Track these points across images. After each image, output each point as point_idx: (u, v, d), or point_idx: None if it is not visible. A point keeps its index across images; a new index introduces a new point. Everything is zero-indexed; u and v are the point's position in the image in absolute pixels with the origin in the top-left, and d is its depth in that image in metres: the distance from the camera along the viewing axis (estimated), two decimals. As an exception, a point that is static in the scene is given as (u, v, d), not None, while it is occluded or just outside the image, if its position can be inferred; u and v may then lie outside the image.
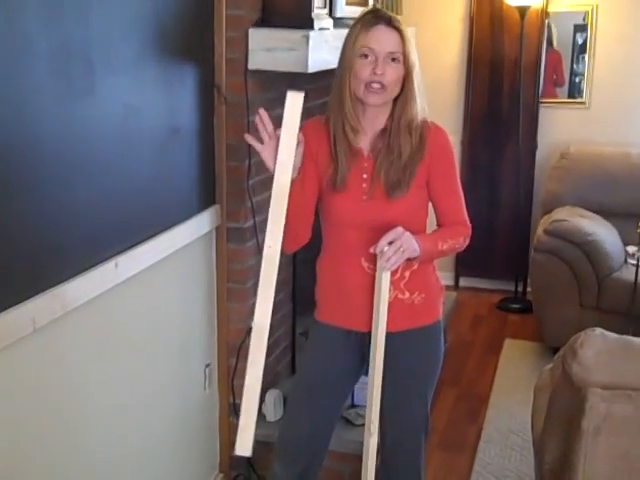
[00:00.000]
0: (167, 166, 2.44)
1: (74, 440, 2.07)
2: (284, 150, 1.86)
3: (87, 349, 2.09)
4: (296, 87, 3.05)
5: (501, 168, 5.00)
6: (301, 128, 2.12)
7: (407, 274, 2.15)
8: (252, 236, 2.84)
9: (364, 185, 2.13)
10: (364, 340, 2.20)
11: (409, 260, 2.05)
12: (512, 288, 4.98)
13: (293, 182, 1.94)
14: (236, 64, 2.67)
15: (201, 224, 2.65)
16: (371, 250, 2.01)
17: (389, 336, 2.10)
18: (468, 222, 2.22)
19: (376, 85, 2.04)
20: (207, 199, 2.70)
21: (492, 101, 4.98)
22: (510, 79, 4.91)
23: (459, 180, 2.22)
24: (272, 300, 1.91)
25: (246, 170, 2.74)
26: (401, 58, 2.05)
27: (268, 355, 3.11)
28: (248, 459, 3.01)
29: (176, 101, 2.48)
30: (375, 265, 2.07)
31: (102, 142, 2.07)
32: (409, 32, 2.10)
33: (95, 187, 2.05)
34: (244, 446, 1.91)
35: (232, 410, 2.98)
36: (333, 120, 2.13)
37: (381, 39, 2.03)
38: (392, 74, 2.04)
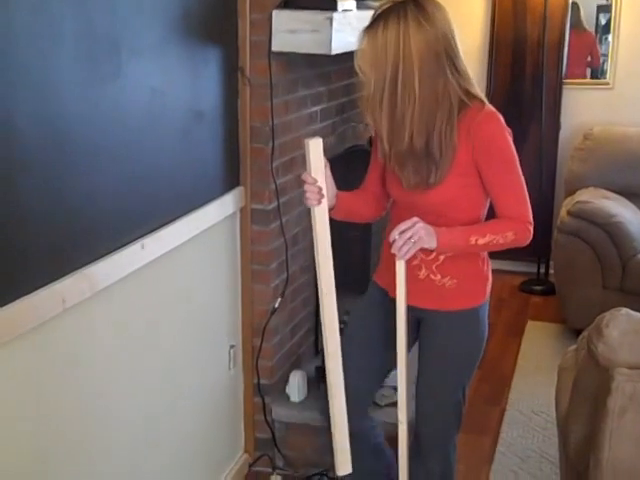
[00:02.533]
0: (192, 148, 2.45)
1: (101, 419, 2.10)
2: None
3: (115, 329, 2.12)
4: (318, 69, 3.09)
5: (524, 149, 4.96)
6: None
7: (441, 258, 2.15)
8: (276, 218, 2.86)
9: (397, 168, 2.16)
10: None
11: (426, 250, 2.06)
12: (535, 270, 4.97)
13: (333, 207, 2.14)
14: (260, 46, 2.67)
15: (225, 206, 2.66)
16: (389, 239, 2.05)
17: (420, 311, 2.18)
18: (527, 217, 2.11)
19: None
20: (231, 181, 2.71)
21: (515, 82, 4.95)
22: (533, 60, 4.87)
23: (517, 171, 2.12)
24: (338, 329, 2.05)
25: (270, 152, 2.75)
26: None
27: (291, 337, 3.17)
28: (273, 439, 3.05)
29: (200, 84, 2.49)
30: None
31: (128, 125, 2.08)
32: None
33: (122, 170, 2.07)
34: (344, 466, 2.06)
35: (256, 390, 3.00)
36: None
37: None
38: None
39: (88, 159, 1.93)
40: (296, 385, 3.04)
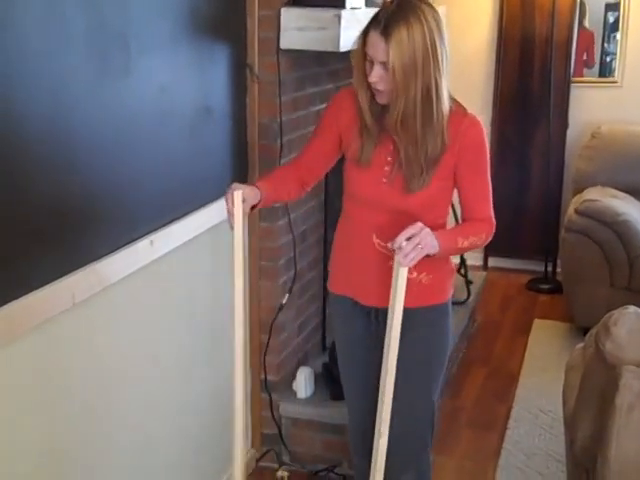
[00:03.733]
0: (200, 145, 2.46)
1: (110, 412, 2.11)
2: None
3: (124, 324, 2.13)
4: (327, 66, 3.09)
5: (531, 147, 4.97)
6: (334, 97, 2.23)
7: None
8: (284, 214, 2.86)
9: (386, 168, 2.08)
10: (369, 314, 2.20)
11: (427, 256, 1.98)
12: (542, 268, 4.96)
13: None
14: (268, 43, 2.67)
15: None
16: (389, 245, 1.97)
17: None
18: (493, 219, 2.14)
19: (375, 88, 2.00)
20: (240, 178, 2.71)
21: (523, 80, 4.94)
22: (541, 58, 4.86)
23: (489, 175, 2.13)
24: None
25: (278, 149, 2.76)
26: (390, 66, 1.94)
27: (299, 333, 3.17)
28: (279, 435, 3.05)
29: (209, 81, 2.49)
30: (385, 242, 2.04)
31: (137, 122, 2.09)
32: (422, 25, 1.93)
33: (130, 166, 2.08)
34: None
35: (263, 386, 3.01)
36: (359, 94, 2.06)
37: (374, 47, 1.95)
38: (386, 83, 1.96)
39: (97, 155, 1.93)
40: (303, 381, 3.05)
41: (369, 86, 2.01)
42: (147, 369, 2.28)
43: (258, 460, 3.09)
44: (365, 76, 2.00)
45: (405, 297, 1.96)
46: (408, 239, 1.92)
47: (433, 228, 1.99)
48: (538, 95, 4.88)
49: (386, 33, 1.91)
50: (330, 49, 2.64)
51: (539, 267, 4.99)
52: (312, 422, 3.03)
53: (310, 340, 3.32)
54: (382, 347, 2.03)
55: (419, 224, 1.95)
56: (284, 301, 2.93)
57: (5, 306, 1.65)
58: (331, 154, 2.21)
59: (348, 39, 2.61)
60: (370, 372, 2.20)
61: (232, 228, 1.94)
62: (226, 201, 1.96)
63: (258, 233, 2.86)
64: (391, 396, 1.98)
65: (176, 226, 2.31)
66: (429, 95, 1.96)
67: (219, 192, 2.56)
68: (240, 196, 1.95)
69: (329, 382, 3.07)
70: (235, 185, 1.99)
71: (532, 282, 4.95)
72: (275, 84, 2.71)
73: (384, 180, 2.09)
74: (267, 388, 3.01)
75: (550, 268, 4.97)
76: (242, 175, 2.73)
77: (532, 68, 4.92)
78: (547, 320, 4.44)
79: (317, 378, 3.11)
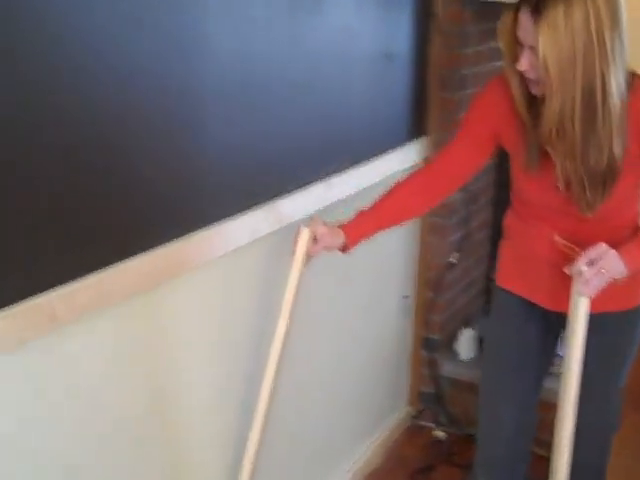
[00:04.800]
0: (380, 92, 2.42)
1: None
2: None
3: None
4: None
5: None
6: (485, 87, 1.86)
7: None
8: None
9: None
10: (549, 317, 1.96)
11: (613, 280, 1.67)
12: None
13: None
14: (453, -7, 2.60)
15: (409, 155, 2.63)
16: (565, 270, 1.68)
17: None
18: None
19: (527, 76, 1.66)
20: (417, 130, 2.67)
21: None
22: None
23: None
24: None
25: (457, 103, 2.69)
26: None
27: (463, 294, 3.11)
28: (437, 394, 3.02)
29: (393, 27, 2.45)
30: (570, 243, 1.75)
31: (323, 63, 2.08)
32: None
33: (313, 107, 2.08)
34: None
35: (425, 344, 2.98)
36: (511, 83, 1.71)
37: (522, 28, 1.59)
38: (537, 72, 1.60)
39: (281, 95, 1.93)
40: (465, 343, 3.00)
41: (521, 73, 1.66)
42: (315, 315, 2.29)
43: (414, 418, 3.08)
44: (516, 61, 1.64)
45: (595, 300, 1.67)
46: (589, 263, 1.64)
47: (627, 228, 1.73)
48: None
49: (537, 12, 1.52)
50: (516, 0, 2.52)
51: None
52: (472, 385, 2.96)
53: (474, 303, 3.25)
54: (546, 351, 1.94)
55: (603, 246, 1.65)
56: (452, 260, 2.87)
57: (183, 238, 1.68)
58: (480, 157, 1.88)
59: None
60: (525, 375, 2.02)
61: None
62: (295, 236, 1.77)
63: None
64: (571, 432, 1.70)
65: (352, 172, 2.30)
66: (592, 96, 1.56)
67: (396, 142, 2.55)
68: (307, 234, 1.76)
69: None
70: (313, 220, 1.79)
71: None
72: (459, 35, 2.63)
73: (559, 185, 1.74)
74: (428, 346, 2.97)
75: None
76: (419, 127, 2.68)
77: None
78: None
79: (479, 342, 3.04)
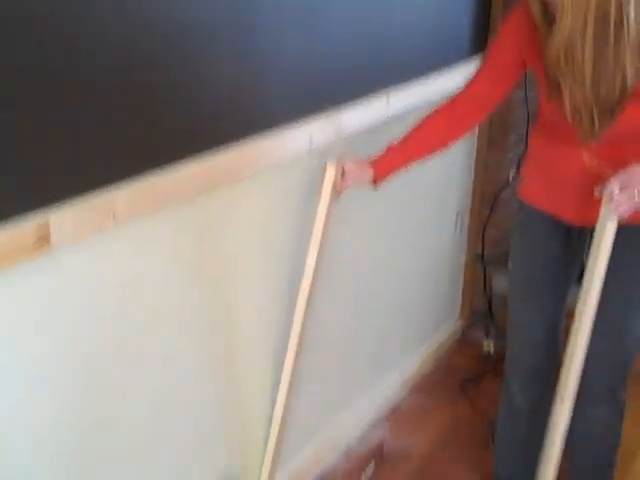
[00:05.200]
0: (444, 4, 2.41)
1: (333, 265, 2.22)
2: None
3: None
4: None
5: None
6: (510, 14, 1.80)
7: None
8: (521, 86, 2.77)
9: None
10: (572, 232, 1.95)
11: None
12: None
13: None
14: None
15: (470, 70, 2.61)
16: (595, 193, 1.64)
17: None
18: None
19: None
20: (479, 45, 2.66)
21: None
22: None
23: None
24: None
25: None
26: None
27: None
28: (488, 309, 3.08)
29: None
30: (599, 162, 1.74)
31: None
32: None
33: (375, 15, 2.07)
34: None
35: (479, 259, 3.03)
36: (531, 2, 1.66)
37: None
38: None
39: (340, 6, 1.93)
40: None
41: None
42: (367, 225, 2.35)
43: (465, 331, 3.15)
44: None
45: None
46: (621, 185, 1.58)
47: None
48: None
49: None
50: None
51: None
52: (524, 301, 3.02)
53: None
54: (570, 265, 1.93)
55: (636, 169, 1.59)
56: (510, 176, 2.89)
57: (243, 141, 1.73)
58: (507, 85, 1.85)
59: None
60: (551, 285, 2.01)
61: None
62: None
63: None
64: (582, 358, 1.71)
65: (413, 87, 2.31)
66: (606, 20, 1.49)
67: (458, 57, 2.54)
68: (333, 170, 1.77)
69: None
70: (339, 157, 1.79)
71: None
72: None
73: (567, 115, 1.70)
74: (483, 261, 3.02)
75: None
76: (481, 43, 2.67)
77: None
78: None
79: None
